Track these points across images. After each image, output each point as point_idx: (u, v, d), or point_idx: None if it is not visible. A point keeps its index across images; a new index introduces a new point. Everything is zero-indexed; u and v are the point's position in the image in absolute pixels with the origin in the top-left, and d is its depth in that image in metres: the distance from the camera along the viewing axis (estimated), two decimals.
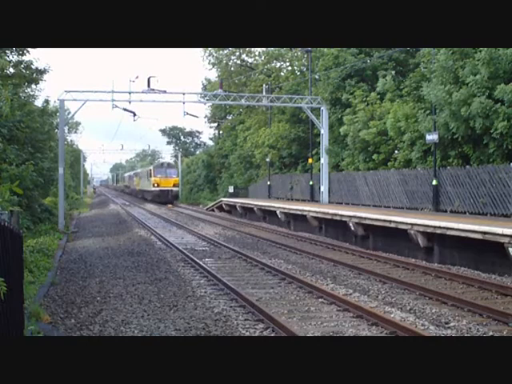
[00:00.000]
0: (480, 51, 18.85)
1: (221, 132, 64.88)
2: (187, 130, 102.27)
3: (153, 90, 28.36)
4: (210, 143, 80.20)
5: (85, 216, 39.40)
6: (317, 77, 35.91)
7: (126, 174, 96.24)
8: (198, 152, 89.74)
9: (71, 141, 63.68)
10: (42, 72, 21.87)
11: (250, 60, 55.64)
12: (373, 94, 28.92)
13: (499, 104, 18.11)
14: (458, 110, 19.11)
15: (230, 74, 53.71)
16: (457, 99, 18.99)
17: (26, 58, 20.63)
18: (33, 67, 21.29)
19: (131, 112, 30.91)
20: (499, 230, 13.20)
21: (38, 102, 28.15)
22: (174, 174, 55.39)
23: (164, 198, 52.28)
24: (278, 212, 28.26)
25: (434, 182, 21.37)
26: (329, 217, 22.46)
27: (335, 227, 22.58)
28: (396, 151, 25.97)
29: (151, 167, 56.71)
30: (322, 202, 30.55)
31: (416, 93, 24.60)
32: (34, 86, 25.13)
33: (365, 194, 27.14)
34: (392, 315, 9.36)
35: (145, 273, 13.97)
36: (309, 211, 24.43)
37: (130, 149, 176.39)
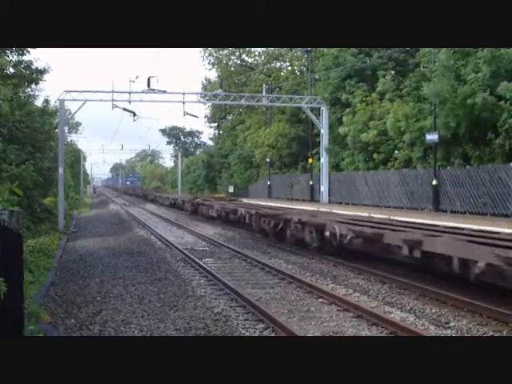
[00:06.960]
0: (482, 50, 18.86)
1: (221, 132, 64.93)
2: (187, 129, 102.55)
3: (153, 89, 28.36)
4: (210, 143, 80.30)
5: (85, 216, 39.39)
6: (317, 77, 35.93)
7: None
8: (198, 152, 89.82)
9: (71, 141, 63.66)
10: (41, 72, 21.81)
11: (249, 60, 55.71)
12: (373, 94, 28.92)
13: (502, 101, 18.13)
14: (461, 104, 19.03)
15: (230, 74, 53.77)
16: (461, 92, 18.95)
17: (25, 57, 20.59)
18: (33, 67, 21.24)
19: (131, 112, 30.93)
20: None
21: (38, 102, 28.08)
22: None
23: None
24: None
25: (434, 182, 21.36)
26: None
27: None
28: (396, 151, 25.98)
29: None
30: (322, 201, 30.55)
31: (416, 93, 24.61)
32: (34, 86, 25.06)
33: (365, 193, 27.13)
34: (392, 315, 9.35)
35: (145, 273, 13.96)
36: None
37: (129, 149, 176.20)
